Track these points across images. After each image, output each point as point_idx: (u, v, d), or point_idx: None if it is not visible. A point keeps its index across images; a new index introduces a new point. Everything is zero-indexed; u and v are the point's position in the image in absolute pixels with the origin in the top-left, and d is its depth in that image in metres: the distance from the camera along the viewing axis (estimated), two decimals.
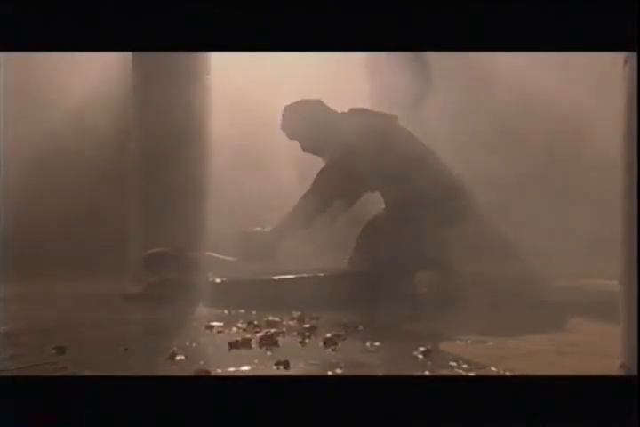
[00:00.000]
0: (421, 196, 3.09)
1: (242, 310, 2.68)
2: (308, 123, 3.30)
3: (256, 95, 4.34)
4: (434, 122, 4.05)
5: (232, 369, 1.71)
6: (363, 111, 3.35)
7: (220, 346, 2.00)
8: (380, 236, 3.12)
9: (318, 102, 3.35)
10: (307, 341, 2.07)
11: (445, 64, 4.21)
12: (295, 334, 2.17)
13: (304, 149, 3.41)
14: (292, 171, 4.14)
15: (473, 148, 4.31)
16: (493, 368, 1.69)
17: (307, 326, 2.26)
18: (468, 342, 2.05)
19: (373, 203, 3.37)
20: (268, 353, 1.91)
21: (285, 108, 3.37)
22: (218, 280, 3.00)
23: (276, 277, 2.94)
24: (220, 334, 2.21)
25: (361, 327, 2.29)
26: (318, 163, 3.40)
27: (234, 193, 4.18)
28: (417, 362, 1.78)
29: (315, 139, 3.32)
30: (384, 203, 3.28)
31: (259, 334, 2.12)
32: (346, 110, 3.35)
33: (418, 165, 3.16)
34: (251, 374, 1.68)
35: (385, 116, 3.33)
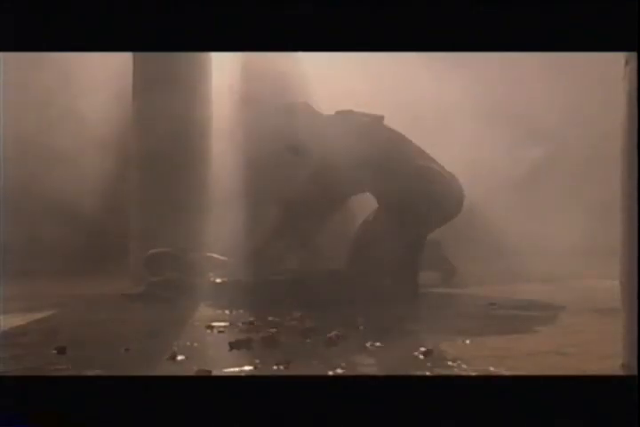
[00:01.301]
0: (414, 194, 3.05)
1: (242, 310, 2.68)
2: (294, 125, 3.31)
3: (259, 95, 4.34)
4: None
5: (233, 369, 1.71)
6: (349, 113, 3.34)
7: (221, 346, 2.00)
8: (375, 235, 3.10)
9: (304, 104, 3.36)
10: (307, 341, 2.07)
11: None
12: (295, 334, 2.17)
13: (289, 151, 3.41)
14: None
15: (473, 148, 4.32)
16: (493, 368, 1.69)
17: (307, 326, 2.26)
18: (468, 342, 2.05)
19: (367, 202, 3.34)
20: (269, 353, 1.91)
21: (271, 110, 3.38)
22: (218, 280, 3.00)
23: (276, 278, 2.94)
24: (221, 334, 2.21)
25: (361, 327, 2.29)
26: None
27: (236, 193, 4.18)
28: (417, 362, 1.78)
29: (301, 141, 3.32)
30: (377, 202, 3.26)
31: (259, 334, 2.12)
32: (332, 112, 3.35)
33: (407, 163, 3.14)
34: (251, 374, 1.68)
35: (371, 117, 3.32)
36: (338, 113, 3.36)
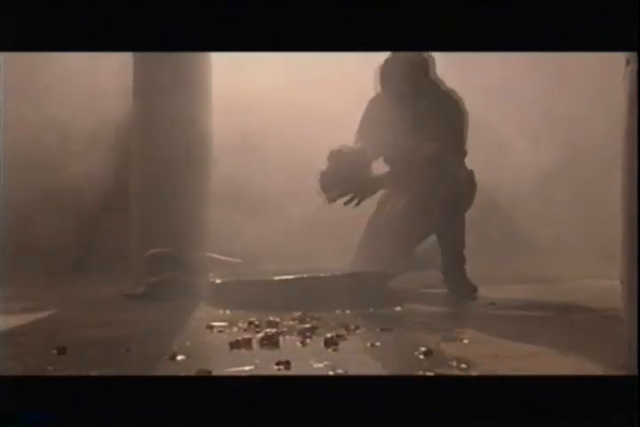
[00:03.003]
0: (426, 186, 3.02)
1: (242, 310, 2.68)
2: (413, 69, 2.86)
3: (259, 96, 4.34)
4: None
5: (233, 369, 1.71)
6: None
7: (221, 346, 2.00)
8: (381, 234, 3.06)
9: None
10: (307, 341, 2.08)
11: None
12: (296, 334, 2.17)
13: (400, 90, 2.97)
14: (293, 171, 4.14)
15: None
16: (493, 368, 1.69)
17: (307, 326, 2.26)
18: (468, 342, 2.05)
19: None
20: (269, 353, 1.91)
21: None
22: (218, 280, 2.99)
23: (276, 278, 2.94)
24: (221, 334, 2.21)
25: (361, 327, 2.29)
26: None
27: (235, 193, 4.19)
28: (417, 362, 1.78)
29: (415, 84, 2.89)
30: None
31: (259, 334, 2.12)
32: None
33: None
34: (251, 374, 1.68)
35: None
36: None
